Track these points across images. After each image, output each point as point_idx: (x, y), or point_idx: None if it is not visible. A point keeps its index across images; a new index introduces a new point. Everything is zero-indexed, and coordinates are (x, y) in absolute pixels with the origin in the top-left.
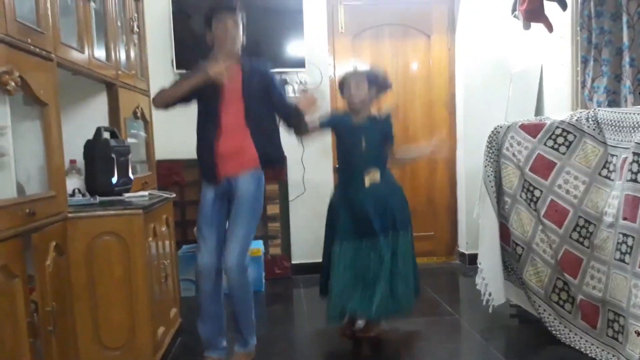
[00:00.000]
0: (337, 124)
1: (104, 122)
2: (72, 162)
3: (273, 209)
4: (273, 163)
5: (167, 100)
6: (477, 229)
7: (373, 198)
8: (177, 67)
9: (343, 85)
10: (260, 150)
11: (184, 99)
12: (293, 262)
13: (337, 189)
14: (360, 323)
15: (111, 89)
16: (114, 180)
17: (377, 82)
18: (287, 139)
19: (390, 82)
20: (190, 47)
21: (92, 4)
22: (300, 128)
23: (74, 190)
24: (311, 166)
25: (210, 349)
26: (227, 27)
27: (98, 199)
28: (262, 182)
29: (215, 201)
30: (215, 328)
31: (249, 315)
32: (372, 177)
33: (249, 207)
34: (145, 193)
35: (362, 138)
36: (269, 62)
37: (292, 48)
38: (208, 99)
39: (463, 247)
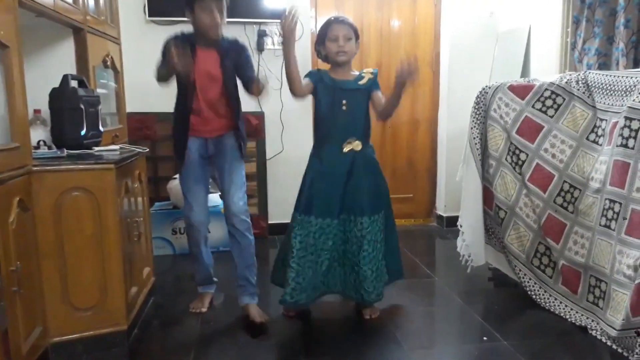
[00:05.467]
0: (316, 81)
1: (71, 70)
2: (37, 112)
3: (250, 168)
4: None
5: (159, 80)
6: (456, 191)
7: (347, 171)
8: (150, 15)
9: (325, 38)
10: (235, 112)
11: (162, 78)
12: (270, 222)
13: (311, 157)
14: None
15: (79, 34)
16: (83, 132)
17: (358, 37)
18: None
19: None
20: None
21: None
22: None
23: (38, 142)
24: (290, 124)
25: (206, 285)
26: (212, 15)
27: (66, 152)
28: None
29: (200, 160)
30: (209, 268)
31: (255, 262)
32: (351, 145)
33: (237, 158)
34: (117, 147)
35: (343, 98)
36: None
37: None
38: (183, 83)
39: (441, 210)
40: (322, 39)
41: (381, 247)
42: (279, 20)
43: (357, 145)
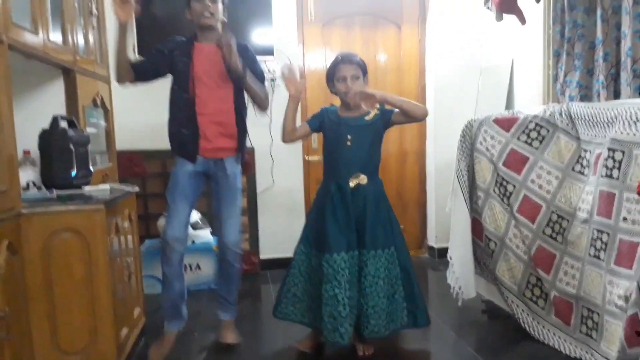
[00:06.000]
0: (322, 119)
1: (61, 110)
2: (26, 152)
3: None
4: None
5: (119, 68)
6: (447, 222)
7: (353, 205)
8: (139, 53)
9: (333, 77)
10: (241, 134)
11: (143, 73)
12: (261, 257)
13: (319, 193)
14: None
15: (68, 75)
16: (73, 173)
17: (366, 74)
18: (256, 131)
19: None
20: (153, 32)
21: None
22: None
23: (27, 184)
24: (280, 158)
25: (172, 320)
26: (204, 3)
27: (55, 192)
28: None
29: (193, 176)
30: (179, 296)
31: (238, 284)
32: (357, 180)
33: (236, 187)
34: (107, 186)
35: (347, 133)
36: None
37: (261, 36)
38: (181, 78)
39: (432, 241)
40: (330, 78)
41: (392, 283)
42: (267, 57)
43: (362, 179)
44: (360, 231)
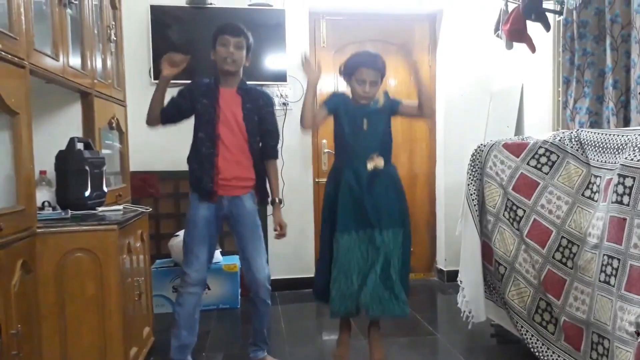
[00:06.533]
0: (337, 106)
1: (78, 132)
2: (42, 173)
3: None
4: (264, 195)
5: (151, 115)
6: (456, 245)
7: (374, 186)
8: (155, 78)
9: (352, 75)
10: (260, 180)
11: (169, 117)
12: (272, 277)
13: (331, 177)
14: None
15: (86, 98)
16: (87, 193)
17: (385, 73)
18: None
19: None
20: None
21: (68, 10)
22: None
23: (43, 203)
24: (291, 180)
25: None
26: (228, 48)
27: (70, 213)
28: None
29: (210, 219)
30: (189, 342)
31: (269, 321)
32: (375, 162)
33: (256, 224)
34: (120, 207)
35: (364, 119)
36: (269, 95)
37: (274, 61)
38: (205, 121)
39: (442, 264)
40: (348, 73)
41: (401, 263)
42: (280, 83)
43: (380, 161)
44: (375, 211)
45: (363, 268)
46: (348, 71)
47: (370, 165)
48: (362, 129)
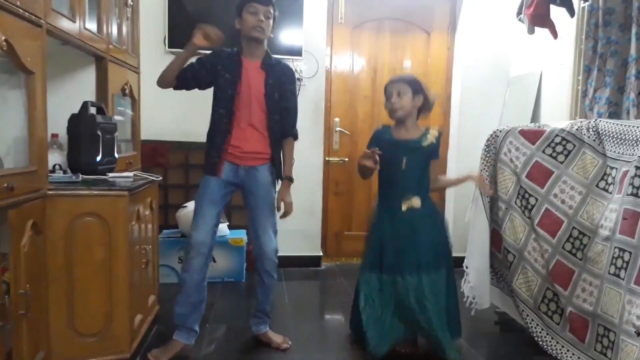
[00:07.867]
0: (377, 141)
1: (91, 96)
2: (54, 136)
3: None
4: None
5: (166, 77)
6: (464, 232)
7: (408, 227)
8: (169, 46)
9: (385, 93)
10: (276, 156)
11: (184, 82)
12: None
13: (376, 211)
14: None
15: (101, 62)
16: (99, 158)
17: (422, 91)
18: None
19: (434, 98)
20: (184, 26)
21: None
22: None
23: (54, 166)
24: (301, 159)
25: (183, 330)
26: (257, 16)
27: (81, 177)
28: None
29: (223, 185)
30: (193, 308)
31: (274, 295)
32: (410, 203)
33: (271, 196)
34: (130, 174)
35: (403, 156)
36: (292, 70)
37: (290, 36)
38: (226, 97)
39: None
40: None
41: (449, 301)
42: (295, 57)
43: (416, 202)
44: (405, 254)
45: (401, 311)
46: (386, 96)
47: (405, 206)
48: (401, 168)
